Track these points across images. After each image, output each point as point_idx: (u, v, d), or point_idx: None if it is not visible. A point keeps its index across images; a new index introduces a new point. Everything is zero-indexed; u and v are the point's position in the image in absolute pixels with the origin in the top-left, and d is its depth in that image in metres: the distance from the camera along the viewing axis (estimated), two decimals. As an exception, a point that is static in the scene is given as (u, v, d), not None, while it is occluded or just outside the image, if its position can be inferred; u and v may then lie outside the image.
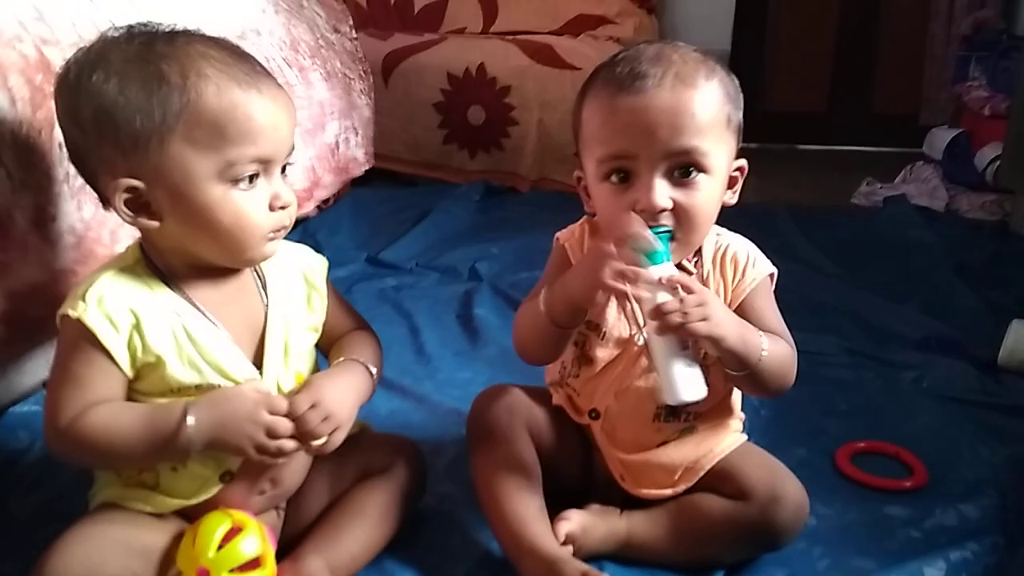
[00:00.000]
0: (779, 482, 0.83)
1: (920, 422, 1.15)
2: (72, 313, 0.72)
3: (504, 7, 2.80)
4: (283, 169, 0.78)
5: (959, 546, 0.88)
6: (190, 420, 0.71)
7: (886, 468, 1.04)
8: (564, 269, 0.89)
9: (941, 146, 2.47)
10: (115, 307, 0.73)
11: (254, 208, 0.75)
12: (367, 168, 1.95)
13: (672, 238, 0.79)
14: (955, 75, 2.58)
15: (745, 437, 0.91)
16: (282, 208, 0.77)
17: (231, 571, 0.72)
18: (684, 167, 0.79)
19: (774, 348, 0.81)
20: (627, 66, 0.80)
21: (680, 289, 0.76)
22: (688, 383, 0.77)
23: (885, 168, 2.57)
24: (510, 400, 0.90)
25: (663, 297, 0.75)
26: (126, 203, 0.73)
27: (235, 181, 0.73)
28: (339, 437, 0.78)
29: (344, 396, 0.79)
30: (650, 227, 0.77)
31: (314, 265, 0.87)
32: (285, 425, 0.74)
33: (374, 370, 0.85)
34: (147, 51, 0.72)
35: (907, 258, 1.84)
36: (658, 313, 0.75)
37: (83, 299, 0.73)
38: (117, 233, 1.00)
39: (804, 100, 3.20)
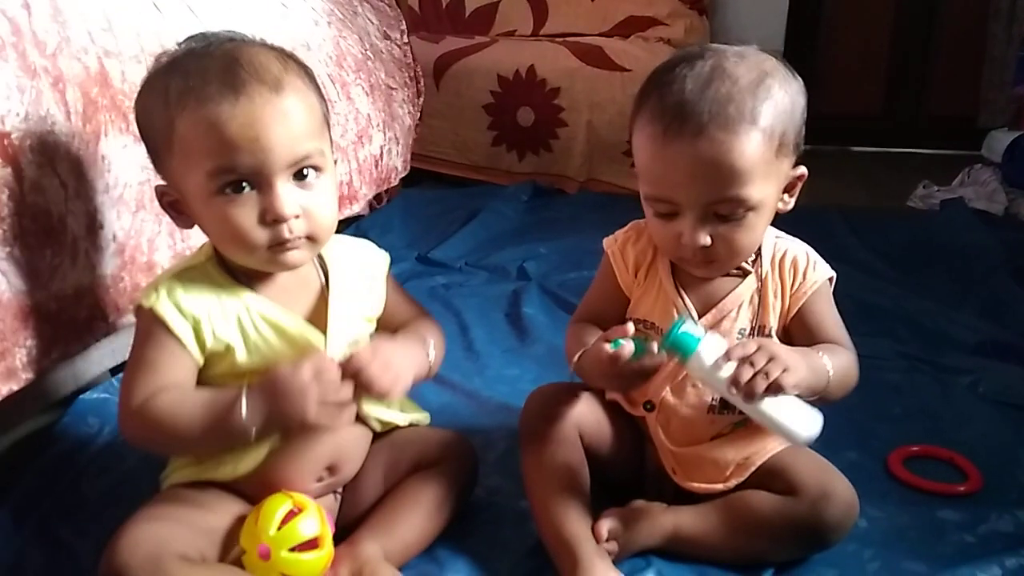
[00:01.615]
0: (829, 479, 0.83)
1: (975, 427, 1.13)
2: (145, 304, 0.77)
3: (554, 9, 2.82)
4: (301, 175, 0.76)
5: (1014, 552, 0.87)
6: (242, 400, 0.73)
7: (940, 472, 1.03)
8: (609, 280, 0.92)
9: (1000, 149, 2.42)
10: (184, 298, 0.77)
11: (240, 219, 0.74)
12: (404, 175, 1.97)
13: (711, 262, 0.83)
14: (1016, 76, 2.53)
15: (798, 440, 0.90)
16: (275, 222, 0.74)
17: (290, 550, 0.74)
18: (727, 208, 0.79)
19: (837, 364, 0.82)
20: (674, 97, 0.78)
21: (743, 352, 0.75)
22: (803, 421, 0.75)
23: (942, 171, 2.52)
24: (561, 401, 0.90)
25: (730, 370, 0.75)
26: (168, 204, 0.80)
27: (218, 191, 0.74)
28: (399, 389, 0.77)
29: (403, 358, 0.80)
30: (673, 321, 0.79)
31: (376, 260, 0.90)
32: (333, 381, 0.73)
33: (432, 350, 0.86)
34: (169, 65, 0.77)
35: (964, 262, 1.80)
36: (737, 385, 0.74)
37: (156, 291, 0.78)
38: (155, 242, 1.04)
39: (859, 101, 3.15)
